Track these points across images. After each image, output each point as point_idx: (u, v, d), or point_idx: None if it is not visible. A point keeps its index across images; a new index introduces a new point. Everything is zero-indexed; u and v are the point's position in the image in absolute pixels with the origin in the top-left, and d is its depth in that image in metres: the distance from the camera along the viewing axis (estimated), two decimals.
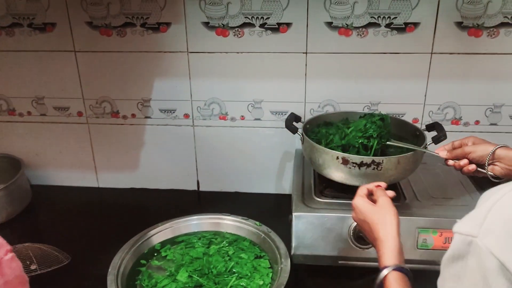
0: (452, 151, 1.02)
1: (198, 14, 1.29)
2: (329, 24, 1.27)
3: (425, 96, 1.32)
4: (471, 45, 1.25)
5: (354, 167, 1.05)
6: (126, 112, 1.44)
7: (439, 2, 1.21)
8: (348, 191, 1.14)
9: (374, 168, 1.04)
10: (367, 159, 1.04)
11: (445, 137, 1.10)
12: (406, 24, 1.24)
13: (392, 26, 1.25)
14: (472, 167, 0.98)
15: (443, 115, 1.34)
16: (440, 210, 1.09)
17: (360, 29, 1.26)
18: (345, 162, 1.06)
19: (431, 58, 1.27)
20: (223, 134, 1.43)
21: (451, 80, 1.30)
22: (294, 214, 1.08)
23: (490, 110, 1.32)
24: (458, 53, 1.26)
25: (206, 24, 1.30)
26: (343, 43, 1.28)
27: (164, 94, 1.40)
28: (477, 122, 1.34)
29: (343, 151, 1.10)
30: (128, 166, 1.52)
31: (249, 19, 1.28)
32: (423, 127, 1.31)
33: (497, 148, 0.93)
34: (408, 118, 1.35)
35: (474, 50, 1.26)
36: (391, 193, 0.92)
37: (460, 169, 1.00)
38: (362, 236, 0.99)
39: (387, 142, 1.11)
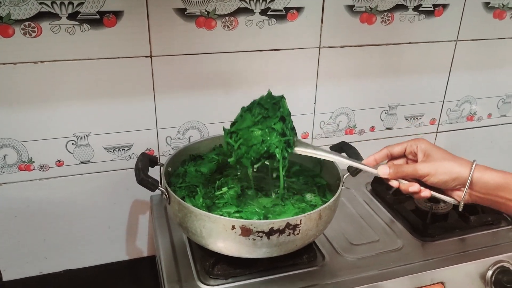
0: (398, 169, 0.68)
1: None
2: (182, 11, 0.84)
3: (314, 103, 1.01)
4: (363, 34, 0.98)
5: (261, 237, 0.67)
6: None
7: None
8: (250, 263, 0.77)
9: (289, 233, 0.68)
10: (279, 223, 0.67)
11: None
12: (287, 9, 0.90)
13: (268, 12, 0.89)
14: (426, 194, 0.67)
15: (336, 125, 1.06)
16: (371, 265, 0.79)
17: (227, 17, 0.87)
18: (246, 232, 0.67)
19: (319, 53, 0.96)
20: (30, 192, 0.89)
21: (342, 81, 1.01)
22: None
23: (385, 113, 1.09)
24: (350, 46, 0.98)
25: None
26: (203, 39, 0.87)
27: None
28: (372, 129, 1.10)
29: None
30: None
31: (48, 6, 0.76)
32: (316, 142, 1.02)
33: (473, 172, 0.64)
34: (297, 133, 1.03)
35: (367, 41, 0.99)
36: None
37: (407, 193, 0.69)
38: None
39: (295, 150, 0.75)
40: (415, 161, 0.70)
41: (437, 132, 1.16)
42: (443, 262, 0.81)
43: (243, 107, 0.76)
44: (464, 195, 0.66)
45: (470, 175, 0.64)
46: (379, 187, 1.02)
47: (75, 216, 0.95)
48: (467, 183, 0.65)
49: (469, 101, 1.15)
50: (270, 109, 0.73)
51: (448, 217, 0.93)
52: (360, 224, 0.92)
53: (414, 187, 0.67)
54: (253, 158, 0.73)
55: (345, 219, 0.93)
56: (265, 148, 0.72)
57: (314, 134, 1.05)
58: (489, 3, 1.04)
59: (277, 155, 0.72)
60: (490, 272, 0.81)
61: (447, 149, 1.19)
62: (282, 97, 0.75)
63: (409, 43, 1.02)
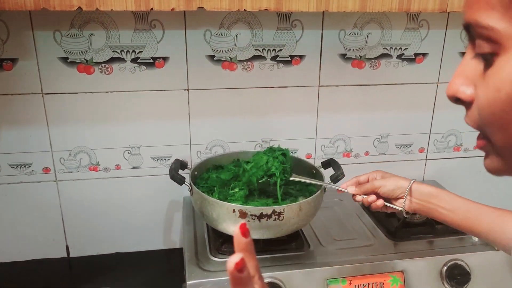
0: (361, 186, 0.93)
1: (53, 48, 1.06)
2: (212, 57, 1.14)
3: (316, 130, 1.26)
4: (354, 76, 1.23)
5: (254, 219, 0.92)
6: None
7: (322, 34, 1.17)
8: None
9: (275, 218, 0.93)
10: (267, 209, 0.92)
11: (343, 175, 1.03)
12: (292, 56, 1.17)
13: (277, 59, 1.17)
14: (380, 202, 0.91)
15: (334, 148, 1.30)
16: (346, 254, 1.01)
17: (245, 62, 1.16)
18: (243, 215, 0.92)
19: (319, 90, 1.22)
20: (96, 187, 1.20)
21: (339, 113, 1.26)
22: (188, 283, 0.91)
23: (378, 140, 1.32)
24: (344, 85, 1.23)
25: (65, 59, 1.08)
26: (227, 78, 1.17)
27: (14, 146, 1.13)
28: (366, 153, 1.33)
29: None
30: None
31: (117, 53, 1.09)
32: (318, 163, 1.25)
33: (412, 183, 0.88)
34: (301, 154, 1.28)
35: (358, 82, 1.24)
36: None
37: (369, 205, 0.93)
38: None
39: (291, 178, 1.01)
40: None
41: (426, 159, 1.36)
42: (405, 256, 1.01)
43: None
44: (405, 200, 0.88)
45: (410, 184, 0.88)
46: None
47: (126, 209, 1.24)
48: (407, 190, 0.88)
49: (454, 134, 1.35)
50: (276, 150, 1.02)
51: (421, 225, 1.12)
52: (345, 226, 1.14)
53: (372, 197, 0.91)
54: (259, 175, 1.00)
55: (333, 222, 1.15)
56: (269, 166, 0.99)
57: (316, 156, 1.29)
58: (464, 52, 1.26)
59: (276, 173, 0.99)
60: (445, 267, 1.00)
61: (437, 175, 1.39)
62: (287, 149, 1.03)
63: (395, 84, 1.25)
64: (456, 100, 0.42)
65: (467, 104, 0.41)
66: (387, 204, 0.91)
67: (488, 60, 0.38)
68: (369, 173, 0.96)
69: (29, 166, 1.15)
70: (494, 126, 0.39)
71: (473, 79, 0.40)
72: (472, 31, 0.39)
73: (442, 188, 0.90)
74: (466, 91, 0.41)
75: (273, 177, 0.99)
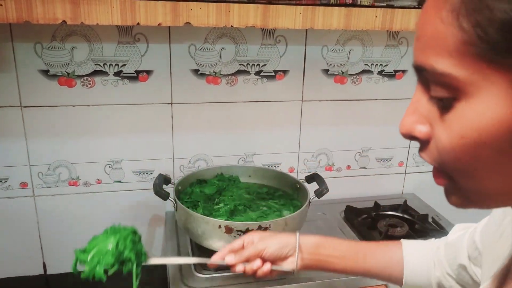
0: (241, 253, 0.75)
1: (33, 61, 1.04)
2: (196, 71, 1.14)
3: (299, 144, 1.27)
4: (337, 91, 1.25)
5: (240, 235, 0.92)
6: None
7: (305, 50, 1.19)
8: None
9: None
10: (252, 225, 0.92)
11: (327, 190, 1.04)
12: (275, 71, 1.18)
13: (261, 74, 1.18)
14: (267, 267, 0.74)
15: (317, 162, 1.31)
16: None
17: (230, 76, 1.16)
18: (228, 230, 0.92)
19: (302, 105, 1.24)
20: (75, 203, 1.17)
21: (321, 127, 1.28)
22: None
23: (359, 154, 1.33)
24: (326, 100, 1.25)
25: (45, 72, 1.05)
26: (211, 92, 1.16)
27: None
28: (348, 167, 1.34)
29: None
30: None
31: (100, 66, 1.08)
32: (300, 176, 1.26)
33: (299, 238, 0.75)
34: (284, 168, 1.28)
35: (340, 97, 1.26)
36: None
37: (253, 273, 0.75)
38: None
39: (151, 262, 0.77)
40: None
41: (405, 173, 1.39)
42: None
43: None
44: (297, 258, 0.74)
45: (297, 239, 0.75)
46: (350, 215, 1.24)
47: (106, 225, 1.20)
48: (297, 246, 0.75)
49: None
50: (123, 229, 0.75)
51: (402, 238, 1.14)
52: None
53: (257, 263, 0.74)
54: (108, 264, 0.71)
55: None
56: (120, 250, 0.72)
57: (299, 169, 1.30)
58: None
59: (131, 257, 0.73)
60: None
61: (416, 189, 1.41)
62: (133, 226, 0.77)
63: (376, 99, 1.28)
64: (411, 137, 0.40)
65: (422, 141, 0.40)
66: (274, 267, 0.76)
67: (445, 102, 0.36)
68: (243, 237, 0.79)
69: (6, 181, 1.12)
70: (460, 170, 0.38)
71: (428, 117, 0.39)
72: (426, 75, 0.37)
73: (326, 236, 0.79)
74: (421, 130, 0.39)
75: (127, 263, 0.73)
